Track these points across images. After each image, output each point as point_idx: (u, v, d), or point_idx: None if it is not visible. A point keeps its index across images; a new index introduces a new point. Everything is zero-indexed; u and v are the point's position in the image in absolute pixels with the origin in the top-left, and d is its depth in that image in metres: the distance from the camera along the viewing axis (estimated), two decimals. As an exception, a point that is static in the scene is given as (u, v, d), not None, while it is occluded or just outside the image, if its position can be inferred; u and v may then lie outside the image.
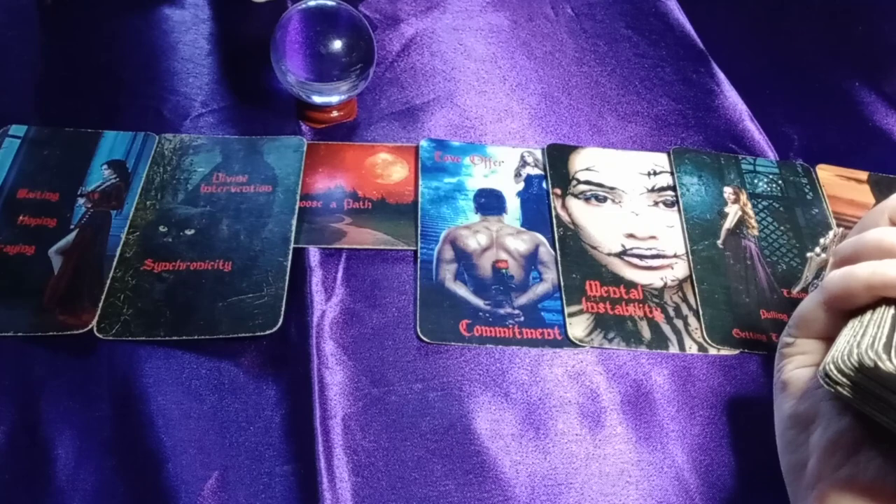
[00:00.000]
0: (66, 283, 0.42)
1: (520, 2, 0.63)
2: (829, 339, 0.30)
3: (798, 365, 0.31)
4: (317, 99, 0.50)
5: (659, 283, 0.45)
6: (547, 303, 0.43)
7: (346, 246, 0.45)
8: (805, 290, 0.41)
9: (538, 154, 0.51)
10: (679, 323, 0.43)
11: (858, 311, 0.29)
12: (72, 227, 0.44)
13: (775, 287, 0.45)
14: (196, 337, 0.40)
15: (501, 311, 0.43)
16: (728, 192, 0.50)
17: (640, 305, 0.44)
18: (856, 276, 0.28)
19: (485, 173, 0.50)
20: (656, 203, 0.49)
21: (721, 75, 0.58)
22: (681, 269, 0.46)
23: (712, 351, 0.42)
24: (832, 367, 0.27)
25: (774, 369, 0.33)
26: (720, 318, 0.43)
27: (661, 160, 0.52)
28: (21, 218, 0.44)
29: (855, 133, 0.56)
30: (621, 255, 0.46)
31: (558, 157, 0.51)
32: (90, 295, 0.41)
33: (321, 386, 0.39)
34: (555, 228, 0.47)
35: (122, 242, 0.44)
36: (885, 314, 0.27)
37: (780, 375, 0.32)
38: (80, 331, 0.40)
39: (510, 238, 0.46)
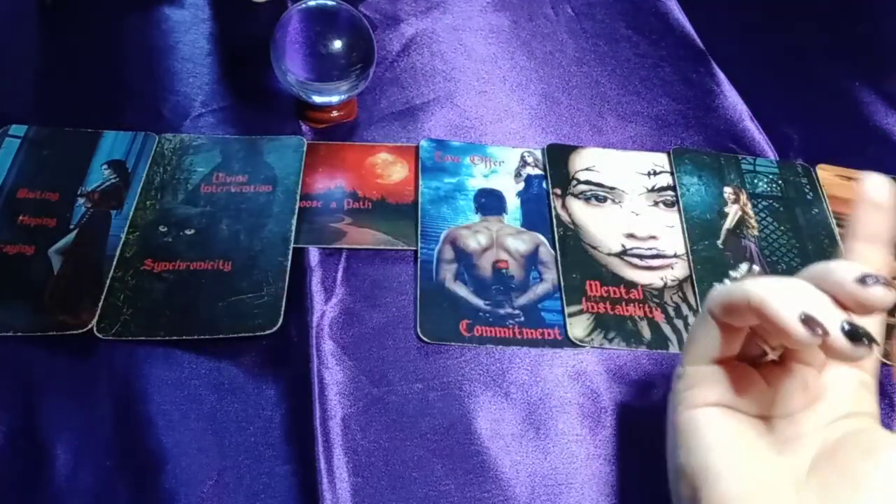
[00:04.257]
0: (65, 282, 0.42)
1: (520, 2, 0.63)
2: (715, 367, 0.28)
3: (691, 405, 0.28)
4: (317, 99, 0.50)
5: (659, 283, 0.45)
6: (547, 303, 0.43)
7: (346, 246, 0.45)
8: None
9: (538, 154, 0.51)
10: (679, 323, 0.43)
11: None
12: (72, 226, 0.44)
13: (775, 287, 0.45)
14: (196, 337, 0.40)
15: (501, 311, 0.43)
16: (728, 192, 0.50)
17: (641, 305, 0.44)
18: (741, 286, 0.26)
19: (485, 173, 0.50)
20: (656, 203, 0.49)
21: (721, 75, 0.58)
22: (681, 269, 0.46)
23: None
24: None
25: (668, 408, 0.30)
26: (720, 318, 0.43)
27: (661, 160, 0.52)
28: (21, 218, 0.44)
29: (855, 133, 0.56)
30: (621, 255, 0.46)
31: (558, 157, 0.51)
32: (90, 295, 0.41)
33: (321, 386, 0.39)
34: (555, 228, 0.47)
35: (121, 242, 0.44)
36: None
37: (671, 415, 0.29)
38: (80, 331, 0.40)
39: (510, 238, 0.46)
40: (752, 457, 0.26)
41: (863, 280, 0.24)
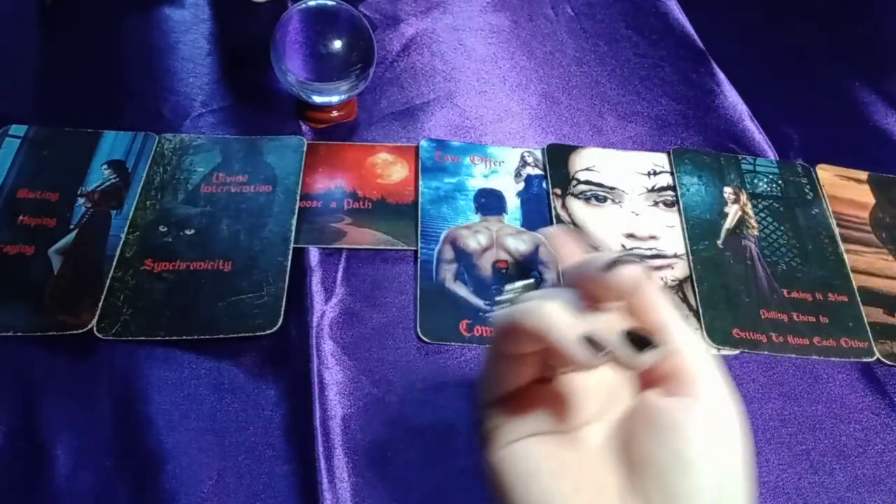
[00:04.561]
0: (66, 283, 0.42)
1: (520, 2, 0.63)
2: (519, 397, 0.26)
3: (501, 445, 0.26)
4: (317, 99, 0.50)
5: (659, 284, 0.45)
6: (547, 303, 0.43)
7: (346, 246, 0.45)
8: None
9: (538, 154, 0.51)
10: (679, 323, 0.43)
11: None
12: (72, 226, 0.44)
13: (775, 287, 0.45)
14: (196, 337, 0.40)
15: (501, 311, 0.43)
16: (728, 192, 0.50)
17: (640, 305, 0.43)
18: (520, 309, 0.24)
19: (485, 173, 0.50)
20: (656, 203, 0.49)
21: (721, 75, 0.58)
22: (681, 269, 0.46)
23: (712, 351, 0.42)
24: None
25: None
26: (720, 318, 0.43)
27: (661, 160, 0.52)
28: (21, 218, 0.44)
29: (855, 133, 0.56)
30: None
31: (558, 157, 0.51)
32: (90, 295, 0.41)
33: (321, 386, 0.39)
34: (555, 228, 0.47)
35: (121, 242, 0.44)
36: None
37: (484, 460, 0.26)
38: (80, 331, 0.40)
39: (510, 238, 0.46)
40: (572, 481, 0.24)
41: (611, 264, 0.23)
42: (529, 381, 0.26)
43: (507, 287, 0.28)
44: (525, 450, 0.25)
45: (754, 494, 0.23)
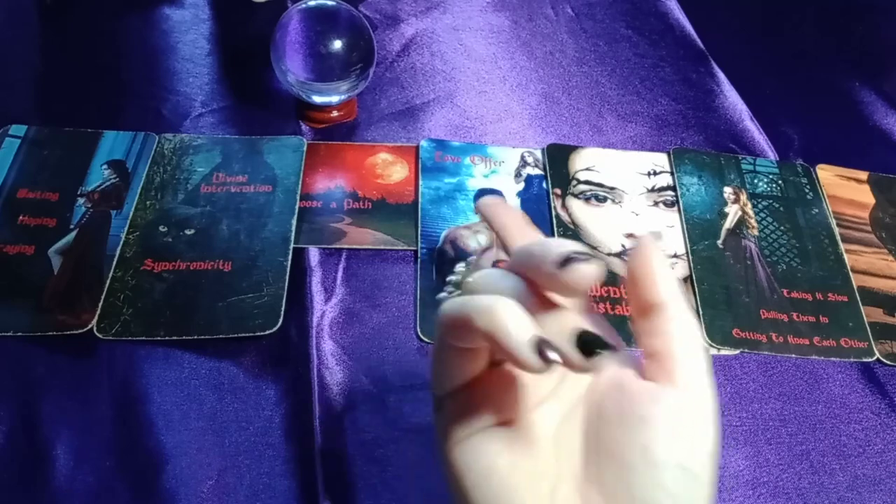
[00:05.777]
0: (65, 282, 0.42)
1: (520, 2, 0.63)
2: (470, 389, 0.25)
3: (459, 439, 0.24)
4: (317, 99, 0.50)
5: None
6: (547, 303, 0.43)
7: (346, 246, 0.45)
8: None
9: (538, 154, 0.51)
10: (679, 323, 0.43)
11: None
12: (72, 226, 0.44)
13: (775, 287, 0.45)
14: (196, 337, 0.40)
15: (501, 311, 0.43)
16: (728, 192, 0.50)
17: (640, 305, 0.44)
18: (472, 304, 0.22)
19: (485, 173, 0.50)
20: (656, 203, 0.49)
21: (721, 75, 0.58)
22: (681, 269, 0.46)
23: (712, 351, 0.42)
24: None
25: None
26: (720, 318, 0.43)
27: (661, 160, 0.52)
28: (21, 218, 0.44)
29: (855, 133, 0.56)
30: (621, 255, 0.46)
31: (558, 157, 0.51)
32: (90, 295, 0.41)
33: (321, 386, 0.39)
34: (555, 228, 0.47)
35: (121, 242, 0.44)
36: None
37: (440, 455, 0.25)
38: (80, 330, 0.40)
39: (510, 238, 0.46)
40: (528, 473, 0.23)
41: (565, 262, 0.21)
42: (481, 371, 0.25)
43: (450, 278, 0.27)
44: (479, 446, 0.24)
45: (714, 493, 0.22)
